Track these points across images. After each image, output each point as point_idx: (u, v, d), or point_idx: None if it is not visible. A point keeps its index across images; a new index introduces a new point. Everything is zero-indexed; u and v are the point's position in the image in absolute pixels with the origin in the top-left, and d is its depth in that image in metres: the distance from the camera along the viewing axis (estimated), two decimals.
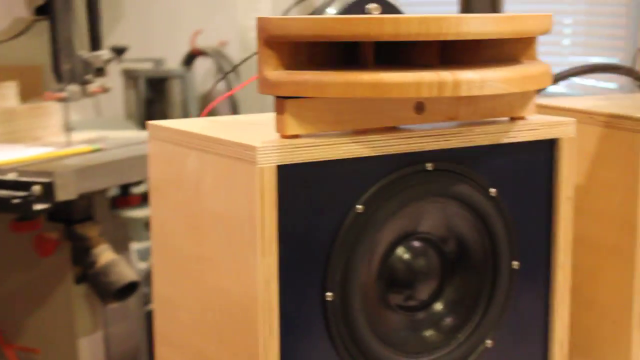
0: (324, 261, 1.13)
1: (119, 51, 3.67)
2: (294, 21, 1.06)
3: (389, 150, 1.15)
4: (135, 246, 2.58)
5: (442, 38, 1.06)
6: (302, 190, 1.10)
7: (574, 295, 1.47)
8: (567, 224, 1.32)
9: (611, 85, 2.79)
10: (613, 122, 1.45)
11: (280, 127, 1.10)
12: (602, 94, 2.54)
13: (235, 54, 3.72)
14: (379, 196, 1.15)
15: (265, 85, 1.09)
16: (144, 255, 2.71)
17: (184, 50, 3.83)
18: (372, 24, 1.04)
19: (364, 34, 1.04)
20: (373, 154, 1.13)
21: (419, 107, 1.17)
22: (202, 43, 3.79)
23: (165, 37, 4.02)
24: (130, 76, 3.70)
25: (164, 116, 3.59)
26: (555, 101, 1.65)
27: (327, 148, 1.10)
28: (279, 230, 1.09)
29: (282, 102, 1.09)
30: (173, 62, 3.84)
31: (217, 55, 3.73)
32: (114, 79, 2.69)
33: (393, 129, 1.18)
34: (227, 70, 3.62)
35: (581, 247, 1.51)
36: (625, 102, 1.60)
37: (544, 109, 1.54)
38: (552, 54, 3.14)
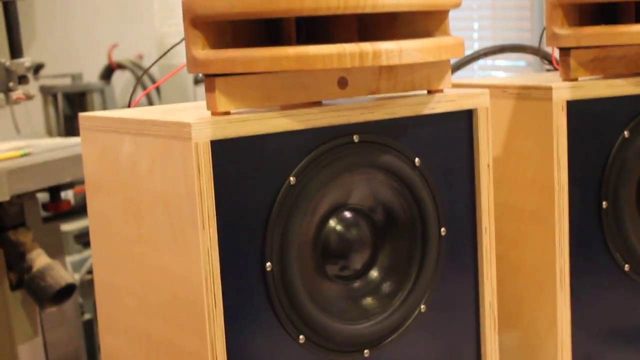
0: (262, 232, 1.17)
1: (35, 68, 3.66)
2: (218, 1, 1.10)
3: (317, 124, 1.20)
4: (68, 259, 2.58)
5: (359, 11, 1.12)
6: (237, 164, 1.14)
7: (500, 262, 1.52)
8: (489, 190, 1.38)
9: (520, 63, 2.87)
10: (524, 94, 1.51)
11: (211, 105, 1.15)
12: (514, 75, 2.62)
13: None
14: (309, 168, 1.20)
15: (194, 64, 1.13)
16: (77, 267, 2.72)
17: (101, 64, 3.83)
18: (294, 0, 1.09)
19: (286, 9, 1.09)
20: (302, 127, 1.18)
21: (342, 81, 1.23)
22: (119, 56, 3.80)
23: (81, 51, 4.01)
24: (48, 92, 3.68)
25: None
26: (469, 80, 1.71)
27: (258, 122, 1.15)
28: (217, 203, 1.13)
29: (212, 80, 1.13)
30: (91, 77, 3.84)
31: (136, 67, 3.74)
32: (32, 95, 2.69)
33: (319, 104, 1.23)
34: (146, 81, 3.63)
35: (503, 216, 1.57)
36: (534, 77, 1.67)
37: (458, 87, 1.60)
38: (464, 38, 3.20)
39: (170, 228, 1.18)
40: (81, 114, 1.35)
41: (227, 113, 1.15)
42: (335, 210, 1.26)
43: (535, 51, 1.82)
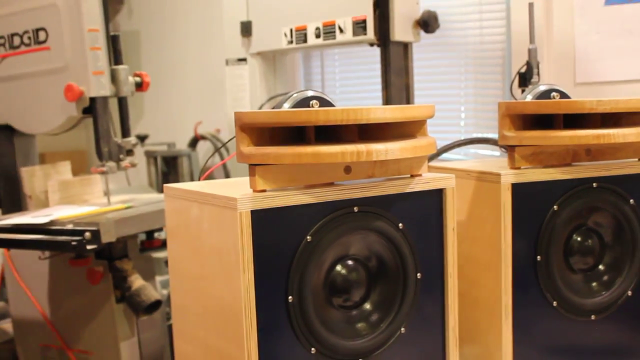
0: (286, 275, 1.21)
1: (142, 138, 3.75)
2: (259, 114, 1.16)
3: (328, 199, 1.23)
4: (158, 278, 2.61)
5: (358, 122, 1.16)
6: (269, 227, 1.18)
7: (464, 297, 1.53)
8: (453, 246, 1.39)
9: (496, 153, 2.87)
10: (482, 177, 1.53)
11: (252, 185, 1.19)
12: (482, 159, 2.60)
13: (227, 137, 3.79)
14: (322, 230, 1.23)
15: (241, 156, 1.18)
16: (165, 285, 2.74)
17: (189, 136, 3.89)
18: (311, 114, 1.14)
19: (306, 120, 1.14)
20: (317, 201, 1.22)
21: (347, 169, 1.27)
22: (202, 130, 3.86)
23: (175, 126, 4.08)
24: (150, 155, 3.74)
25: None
26: (445, 164, 1.73)
27: (285, 198, 1.19)
28: (254, 254, 1.17)
29: (253, 168, 1.18)
30: (182, 145, 3.90)
31: (214, 139, 3.79)
32: (139, 158, 2.76)
33: (330, 184, 1.27)
34: (222, 150, 3.68)
35: (467, 264, 1.58)
36: (491, 163, 1.68)
37: (436, 169, 1.63)
38: (453, 132, 3.20)
39: (221, 270, 1.22)
40: (165, 186, 1.40)
41: (264, 191, 1.19)
42: (340, 260, 1.29)
43: (496, 143, 1.84)
